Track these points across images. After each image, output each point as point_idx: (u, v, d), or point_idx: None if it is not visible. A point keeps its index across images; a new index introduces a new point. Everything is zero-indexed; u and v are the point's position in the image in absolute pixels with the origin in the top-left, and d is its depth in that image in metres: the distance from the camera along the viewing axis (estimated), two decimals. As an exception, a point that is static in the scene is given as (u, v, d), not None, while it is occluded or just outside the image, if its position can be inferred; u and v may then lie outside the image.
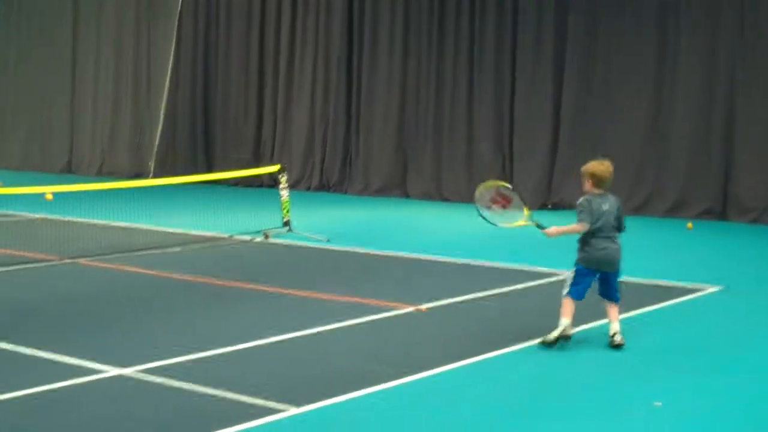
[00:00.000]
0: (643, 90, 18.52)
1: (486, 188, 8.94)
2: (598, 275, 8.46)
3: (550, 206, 19.32)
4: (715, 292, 10.95)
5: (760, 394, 7.22)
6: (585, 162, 18.80)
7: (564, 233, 8.59)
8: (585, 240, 8.41)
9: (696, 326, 9.38)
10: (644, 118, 18.50)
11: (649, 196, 18.43)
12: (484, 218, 8.89)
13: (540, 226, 8.62)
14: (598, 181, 8.44)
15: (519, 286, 11.18)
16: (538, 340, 8.45)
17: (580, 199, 8.48)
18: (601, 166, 8.48)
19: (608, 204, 8.43)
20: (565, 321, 8.32)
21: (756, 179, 17.45)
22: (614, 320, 8.44)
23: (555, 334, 8.27)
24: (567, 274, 8.55)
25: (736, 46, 17.61)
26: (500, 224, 8.88)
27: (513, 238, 15.41)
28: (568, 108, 19.35)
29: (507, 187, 8.97)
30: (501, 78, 20.10)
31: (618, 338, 8.32)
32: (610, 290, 8.51)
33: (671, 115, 18.26)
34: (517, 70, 19.91)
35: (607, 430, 6.40)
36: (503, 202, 8.80)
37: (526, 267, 12.31)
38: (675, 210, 18.06)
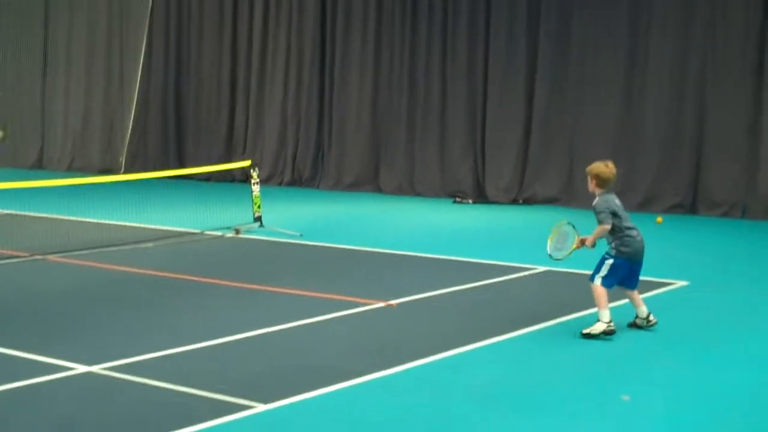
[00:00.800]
0: (614, 87, 18.64)
1: (553, 240, 9.23)
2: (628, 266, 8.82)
3: (521, 201, 19.42)
4: (683, 286, 11.05)
5: (727, 386, 7.28)
6: (556, 158, 19.00)
7: (597, 238, 8.88)
8: (622, 235, 8.76)
9: (664, 321, 9.41)
10: (615, 114, 18.62)
11: (620, 190, 18.22)
12: (555, 259, 9.25)
13: (582, 241, 9.00)
14: (602, 182, 8.85)
15: (488, 281, 11.21)
16: (523, 330, 8.54)
17: (596, 201, 8.84)
18: (605, 167, 8.88)
19: (617, 199, 8.95)
20: (607, 313, 8.62)
21: (725, 174, 17.61)
22: (641, 304, 8.95)
23: (605, 326, 8.58)
24: (605, 266, 8.74)
25: (707, 44, 17.75)
26: (562, 257, 9.22)
27: (483, 235, 15.51)
28: (539, 105, 19.43)
29: (560, 230, 9.26)
30: (473, 76, 20.15)
31: (653, 318, 8.91)
32: (635, 279, 8.91)
33: (642, 112, 18.39)
34: (489, 69, 19.98)
35: (575, 423, 6.44)
36: (562, 242, 9.23)
37: (495, 262, 12.36)
38: (646, 204, 18.19)
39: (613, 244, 8.78)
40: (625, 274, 8.79)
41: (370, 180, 21.57)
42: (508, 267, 11.99)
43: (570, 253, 9.11)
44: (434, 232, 15.52)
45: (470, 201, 19.70)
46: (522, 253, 13.07)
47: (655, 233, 15.61)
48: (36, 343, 8.08)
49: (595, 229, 8.77)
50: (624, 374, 7.61)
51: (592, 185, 8.91)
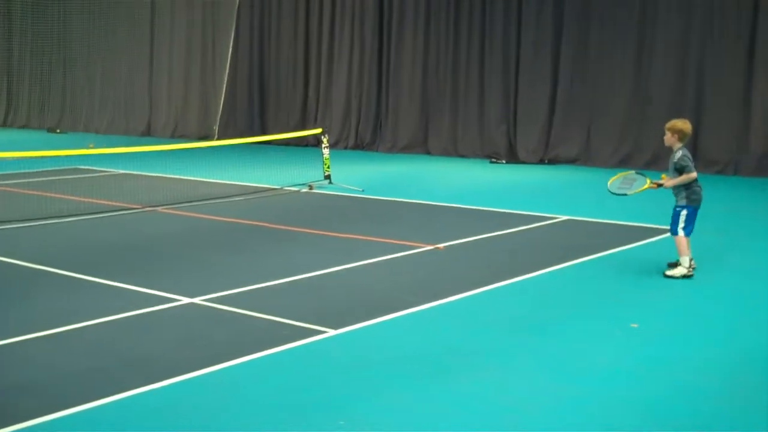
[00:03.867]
0: (626, 66, 18.36)
1: (616, 180, 9.05)
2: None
3: (546, 161, 19.26)
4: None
5: (724, 316, 7.23)
6: (576, 126, 18.51)
7: (680, 182, 8.52)
8: (690, 186, 8.51)
9: (668, 260, 9.35)
10: (627, 90, 18.35)
11: (631, 151, 18.35)
12: (616, 194, 8.97)
13: (659, 184, 8.69)
14: (683, 136, 8.53)
15: (522, 228, 11.18)
16: (548, 269, 8.52)
17: (681, 154, 8.49)
18: (685, 124, 8.57)
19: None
20: (687, 258, 8.45)
21: (719, 139, 17.37)
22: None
23: (685, 270, 8.42)
24: (681, 217, 8.51)
25: (706, 32, 17.43)
26: (630, 192, 8.91)
27: (515, 189, 15.44)
28: (563, 81, 19.20)
29: (627, 176, 9.09)
30: (507, 55, 19.94)
31: (694, 263, 8.61)
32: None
33: (649, 89, 18.12)
34: (521, 51, 19.74)
35: (591, 348, 6.44)
36: (628, 183, 8.98)
37: (525, 212, 12.31)
38: (652, 164, 17.95)
39: (684, 194, 8.56)
40: (695, 220, 8.60)
41: (421, 144, 21.52)
42: (536, 216, 11.94)
43: (639, 191, 8.81)
44: (474, 187, 15.47)
45: (504, 161, 19.58)
46: (548, 204, 13.00)
47: (659, 189, 15.48)
48: (149, 279, 8.23)
49: (679, 177, 8.47)
50: (633, 305, 7.56)
51: (673, 139, 8.56)
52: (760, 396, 5.49)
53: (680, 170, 8.53)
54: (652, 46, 18.06)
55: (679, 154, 8.54)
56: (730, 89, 17.21)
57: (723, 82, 17.27)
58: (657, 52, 17.99)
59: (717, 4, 17.30)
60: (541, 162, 19.28)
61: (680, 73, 17.73)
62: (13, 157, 14.88)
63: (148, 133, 26.69)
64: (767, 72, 16.83)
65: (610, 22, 18.56)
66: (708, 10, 17.39)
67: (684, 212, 8.54)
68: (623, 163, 18.22)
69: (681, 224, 8.52)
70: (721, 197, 14.56)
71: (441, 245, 9.92)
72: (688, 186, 8.56)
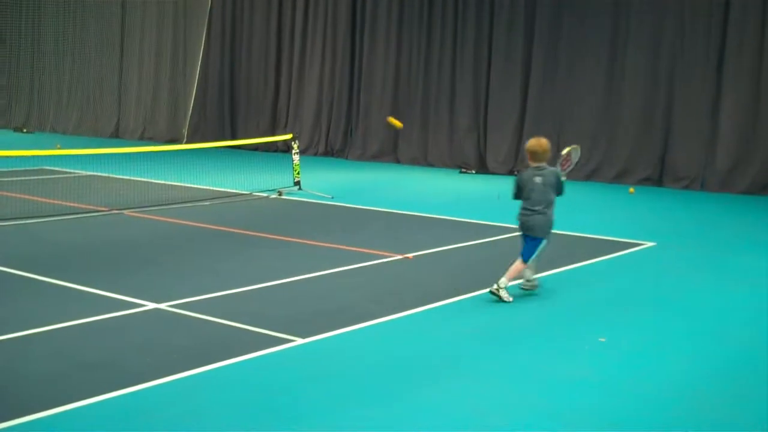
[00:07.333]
0: (597, 79, 18.47)
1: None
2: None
3: (516, 172, 19.29)
4: (651, 246, 10.99)
5: (689, 331, 7.26)
6: (546, 136, 18.82)
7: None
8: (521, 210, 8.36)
9: (635, 275, 9.42)
10: (597, 102, 18.46)
11: (599, 164, 18.45)
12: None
13: None
14: (529, 154, 8.25)
15: (492, 238, 11.19)
16: (518, 281, 8.51)
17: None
18: (532, 141, 8.26)
19: (538, 176, 8.21)
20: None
21: (688, 153, 17.49)
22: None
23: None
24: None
25: (676, 46, 17.57)
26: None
27: (485, 200, 15.47)
28: (533, 91, 19.29)
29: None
30: (478, 67, 20.01)
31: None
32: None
33: (620, 101, 18.23)
34: (492, 61, 19.81)
35: (558, 360, 6.44)
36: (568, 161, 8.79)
37: (495, 223, 12.32)
38: (620, 177, 18.10)
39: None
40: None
41: (390, 152, 21.53)
42: (505, 227, 11.94)
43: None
44: (444, 197, 15.48)
45: (474, 171, 19.62)
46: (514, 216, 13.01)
47: (627, 202, 15.61)
48: (113, 284, 8.13)
49: None
50: (600, 319, 7.59)
51: (528, 158, 8.29)
52: (725, 407, 5.52)
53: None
54: (623, 59, 18.18)
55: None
56: (699, 105, 17.36)
57: (692, 99, 17.42)
58: (628, 65, 18.12)
59: (688, 18, 17.45)
60: (510, 173, 19.33)
61: (650, 87, 17.86)
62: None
63: (117, 135, 26.50)
64: (734, 89, 17.01)
65: (580, 34, 18.68)
66: (679, 25, 17.54)
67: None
68: (592, 176, 18.34)
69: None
70: (687, 212, 14.71)
71: (410, 255, 9.90)
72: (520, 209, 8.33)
